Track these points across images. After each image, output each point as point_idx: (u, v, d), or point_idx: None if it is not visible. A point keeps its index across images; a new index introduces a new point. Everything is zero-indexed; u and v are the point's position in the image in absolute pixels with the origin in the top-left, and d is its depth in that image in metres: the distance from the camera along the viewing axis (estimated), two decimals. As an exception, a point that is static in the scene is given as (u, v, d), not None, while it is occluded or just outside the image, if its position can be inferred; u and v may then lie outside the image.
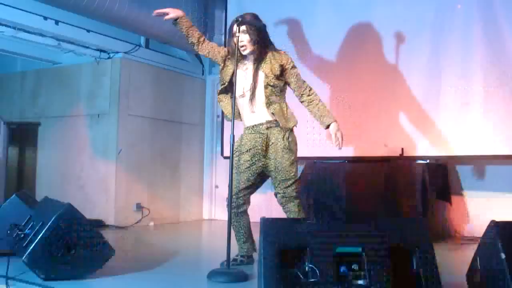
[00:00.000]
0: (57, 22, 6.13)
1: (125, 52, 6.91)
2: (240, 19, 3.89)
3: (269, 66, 3.95)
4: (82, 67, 7.20)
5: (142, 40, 7.28)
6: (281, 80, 3.97)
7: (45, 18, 6.03)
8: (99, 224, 6.55)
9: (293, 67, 4.01)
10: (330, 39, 6.19)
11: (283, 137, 3.91)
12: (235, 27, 3.90)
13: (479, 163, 5.76)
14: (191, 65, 8.01)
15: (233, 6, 7.04)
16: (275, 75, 3.93)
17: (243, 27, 3.95)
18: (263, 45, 3.99)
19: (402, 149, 5.65)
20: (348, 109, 6.01)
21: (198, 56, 7.94)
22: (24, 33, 6.08)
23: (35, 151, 7.85)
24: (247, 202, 4.12)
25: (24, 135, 7.92)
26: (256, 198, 4.35)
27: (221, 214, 7.73)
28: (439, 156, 5.62)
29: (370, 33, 6.02)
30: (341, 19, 6.15)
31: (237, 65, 3.92)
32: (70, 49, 6.65)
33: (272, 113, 3.91)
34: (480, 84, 5.37)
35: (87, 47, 6.74)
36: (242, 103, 4.03)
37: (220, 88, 4.15)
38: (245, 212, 4.13)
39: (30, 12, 5.90)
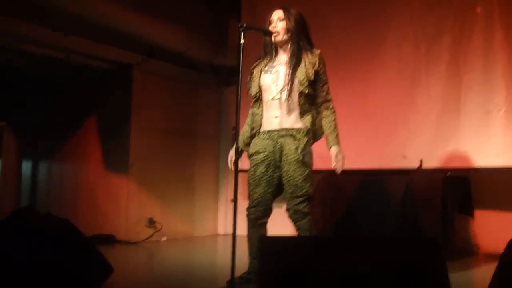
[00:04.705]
0: (66, 34, 6.03)
1: (136, 64, 6.78)
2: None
3: (304, 71, 3.71)
4: (92, 79, 7.09)
5: (154, 50, 7.11)
6: (315, 87, 3.77)
7: (53, 29, 5.93)
8: (110, 239, 6.45)
9: (324, 72, 3.79)
10: (345, 46, 6.01)
11: (297, 148, 3.66)
12: (273, 14, 3.79)
13: (503, 174, 5.48)
14: (206, 76, 7.85)
15: (246, 13, 6.90)
16: (309, 82, 3.71)
17: (280, 13, 3.80)
18: (298, 38, 3.79)
19: (421, 160, 5.42)
20: (363, 119, 5.79)
21: (213, 66, 7.80)
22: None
23: (49, 164, 7.81)
24: (267, 214, 3.87)
25: (37, 147, 7.89)
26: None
27: (238, 228, 7.54)
28: (460, 167, 5.36)
29: (386, 39, 5.80)
30: (356, 25, 5.97)
31: (269, 58, 3.86)
32: (80, 61, 6.52)
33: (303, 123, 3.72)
34: (502, 91, 5.11)
35: (98, 59, 6.62)
36: (268, 107, 3.83)
37: (252, 103, 3.97)
38: (264, 224, 3.88)
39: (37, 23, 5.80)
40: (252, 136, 3.91)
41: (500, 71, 5.14)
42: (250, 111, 3.99)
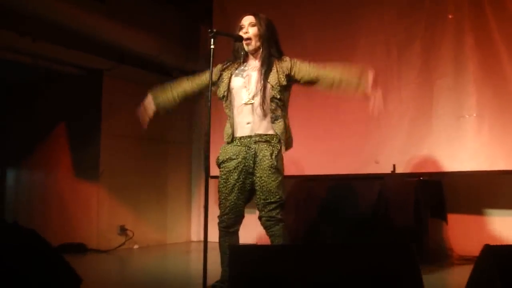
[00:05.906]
0: (34, 39, 5.90)
1: (106, 69, 6.67)
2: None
3: (276, 76, 3.65)
4: (61, 85, 6.98)
5: (125, 56, 6.97)
6: (288, 92, 3.72)
7: (21, 34, 5.80)
8: (81, 248, 6.32)
9: (302, 60, 3.71)
10: (317, 52, 5.98)
11: (271, 154, 3.58)
12: (244, 19, 3.72)
13: (476, 178, 5.49)
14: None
15: (218, 18, 6.86)
16: (281, 87, 3.65)
17: (251, 18, 3.72)
18: (269, 45, 3.72)
19: (394, 165, 5.41)
20: (336, 124, 5.77)
21: (184, 72, 7.70)
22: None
23: (17, 172, 7.66)
24: (239, 221, 3.76)
25: (5, 155, 7.72)
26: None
27: (211, 235, 7.45)
28: (433, 172, 5.37)
29: (358, 45, 5.81)
30: (328, 31, 5.96)
31: (239, 64, 3.74)
32: (48, 67, 6.39)
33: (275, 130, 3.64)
34: (473, 96, 5.15)
35: (67, 65, 6.49)
36: (239, 112, 3.75)
37: (225, 104, 3.83)
38: (236, 232, 3.78)
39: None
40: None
41: (471, 76, 5.17)
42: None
